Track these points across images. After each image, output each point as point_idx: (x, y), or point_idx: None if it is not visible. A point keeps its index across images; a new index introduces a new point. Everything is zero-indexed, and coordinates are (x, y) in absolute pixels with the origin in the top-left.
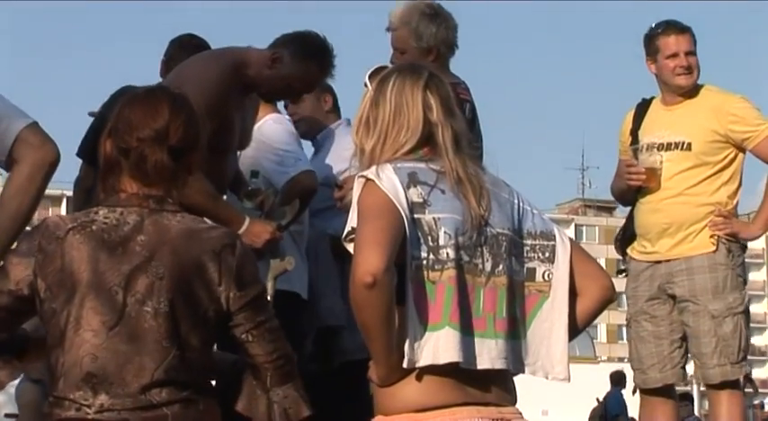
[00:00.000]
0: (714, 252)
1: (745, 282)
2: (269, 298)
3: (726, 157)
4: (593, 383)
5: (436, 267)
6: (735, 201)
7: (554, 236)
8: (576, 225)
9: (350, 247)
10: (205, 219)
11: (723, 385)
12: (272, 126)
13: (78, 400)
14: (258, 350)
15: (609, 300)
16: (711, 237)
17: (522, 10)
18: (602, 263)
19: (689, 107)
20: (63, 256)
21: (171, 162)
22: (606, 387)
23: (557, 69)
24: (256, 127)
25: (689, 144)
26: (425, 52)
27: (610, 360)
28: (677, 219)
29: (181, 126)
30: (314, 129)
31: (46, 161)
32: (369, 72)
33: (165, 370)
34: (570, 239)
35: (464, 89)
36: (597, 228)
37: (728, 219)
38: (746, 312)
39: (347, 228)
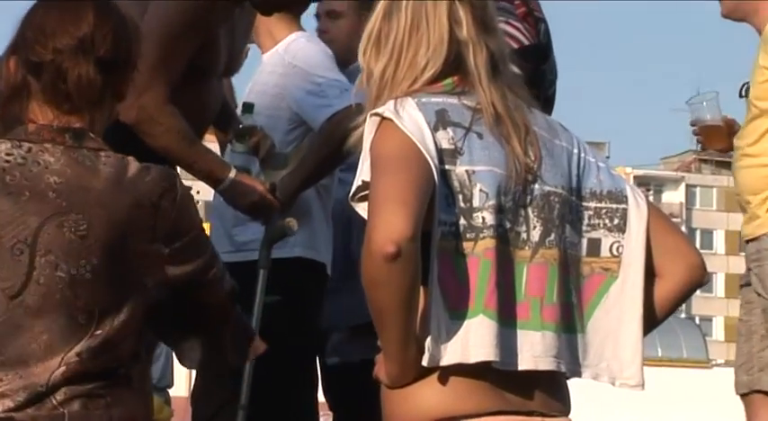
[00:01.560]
0: None
1: None
2: (262, 270)
3: None
4: (704, 393)
5: (469, 236)
6: None
7: (626, 197)
8: (687, 185)
9: (360, 208)
10: (133, 159)
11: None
12: (305, 46)
13: None
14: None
15: (698, 282)
16: None
17: None
18: (721, 235)
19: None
20: None
21: (98, 77)
22: (721, 397)
23: None
24: (282, 47)
25: (747, 87)
26: None
27: (728, 364)
28: (742, 188)
29: (109, 34)
30: (347, 60)
31: None
32: None
33: (77, 353)
34: (648, 201)
35: (538, 5)
36: (715, 189)
37: None
38: None
39: (356, 183)
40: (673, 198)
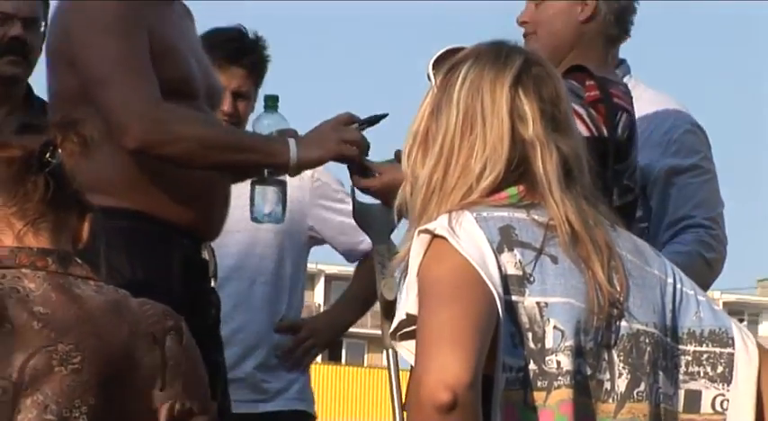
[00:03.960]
0: None
1: None
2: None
3: None
4: None
5: (540, 384)
6: None
7: (732, 338)
8: None
9: (403, 348)
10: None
11: None
12: None
13: None
14: None
15: None
16: None
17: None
18: None
19: None
20: None
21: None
22: None
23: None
24: None
25: None
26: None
27: None
28: None
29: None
30: None
31: None
32: (433, 58)
33: None
34: (760, 346)
35: (623, 92)
36: None
37: None
38: None
39: (399, 316)
40: None
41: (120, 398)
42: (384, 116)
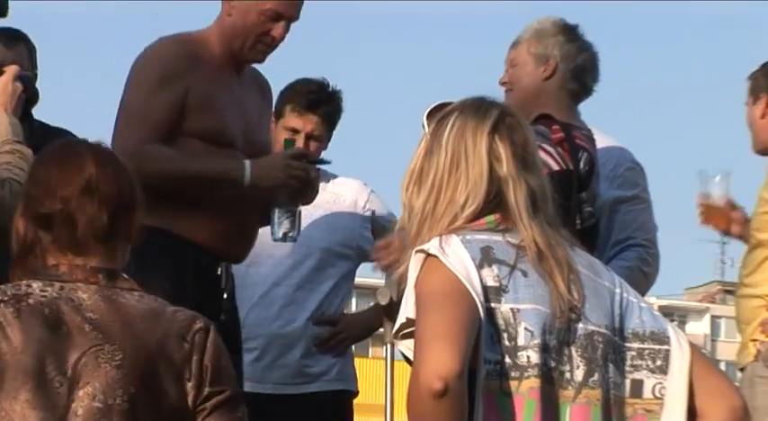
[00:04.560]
0: (754, 361)
1: None
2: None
3: None
4: None
5: (514, 375)
6: None
7: (668, 338)
8: (712, 316)
9: (403, 345)
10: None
11: None
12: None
13: None
14: None
15: None
16: (754, 341)
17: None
18: None
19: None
20: None
21: (105, 217)
22: None
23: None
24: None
25: (749, 219)
26: (541, 60)
27: None
28: (738, 317)
29: (111, 176)
30: None
31: None
32: (427, 110)
33: None
34: (690, 343)
35: (585, 136)
36: None
37: None
38: None
39: (400, 320)
40: (697, 329)
41: (155, 387)
42: (328, 162)
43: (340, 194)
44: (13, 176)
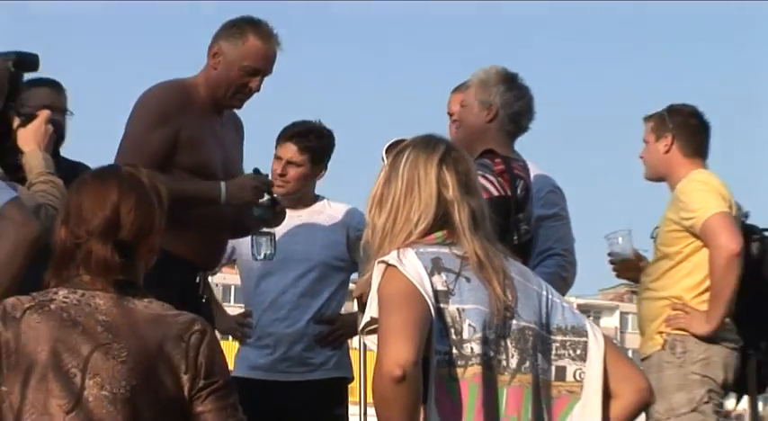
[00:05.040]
0: (661, 350)
1: (706, 379)
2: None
3: (686, 248)
4: None
5: (459, 363)
6: (696, 292)
7: (586, 332)
8: (621, 313)
9: (369, 340)
10: (169, 306)
11: None
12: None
13: None
14: None
15: (645, 403)
16: (660, 333)
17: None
18: None
19: (671, 195)
20: (19, 337)
21: (119, 257)
22: None
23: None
24: None
25: (656, 234)
26: (485, 105)
27: None
28: (643, 315)
29: (134, 205)
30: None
31: (28, 239)
32: (385, 146)
33: None
34: (604, 336)
35: (521, 166)
36: None
37: (681, 315)
38: (703, 412)
39: (365, 319)
40: (609, 323)
41: (154, 379)
42: (266, 175)
43: (336, 217)
44: (48, 202)
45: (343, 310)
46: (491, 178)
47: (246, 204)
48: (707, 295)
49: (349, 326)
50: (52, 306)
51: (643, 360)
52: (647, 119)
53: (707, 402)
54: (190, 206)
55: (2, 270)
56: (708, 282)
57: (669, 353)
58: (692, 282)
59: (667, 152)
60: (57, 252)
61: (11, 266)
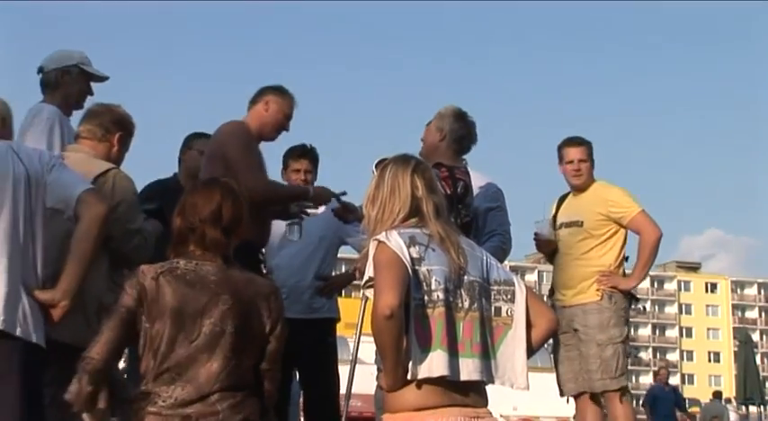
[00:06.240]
0: (600, 300)
1: (626, 321)
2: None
3: (608, 232)
4: (550, 387)
5: (429, 305)
6: (617, 262)
7: (513, 283)
8: (538, 271)
9: (368, 292)
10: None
11: (610, 393)
12: None
13: (161, 394)
14: (267, 384)
15: (554, 329)
16: (597, 289)
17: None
18: None
19: (584, 197)
20: (157, 291)
21: (224, 238)
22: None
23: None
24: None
25: (582, 222)
26: (439, 130)
27: None
28: (575, 277)
29: (229, 209)
30: None
31: (99, 215)
32: (375, 162)
33: (227, 374)
34: (526, 285)
35: (463, 171)
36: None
37: (610, 276)
38: (625, 342)
39: (365, 278)
40: (531, 278)
41: (249, 322)
42: (345, 193)
43: (327, 211)
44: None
45: (334, 274)
46: (441, 183)
47: (323, 202)
48: (622, 266)
49: (339, 282)
50: (178, 271)
51: (578, 305)
52: (582, 143)
53: (627, 334)
54: (290, 201)
55: (82, 239)
56: (621, 256)
57: (607, 301)
58: (613, 255)
59: (588, 169)
60: (174, 234)
61: (88, 235)
